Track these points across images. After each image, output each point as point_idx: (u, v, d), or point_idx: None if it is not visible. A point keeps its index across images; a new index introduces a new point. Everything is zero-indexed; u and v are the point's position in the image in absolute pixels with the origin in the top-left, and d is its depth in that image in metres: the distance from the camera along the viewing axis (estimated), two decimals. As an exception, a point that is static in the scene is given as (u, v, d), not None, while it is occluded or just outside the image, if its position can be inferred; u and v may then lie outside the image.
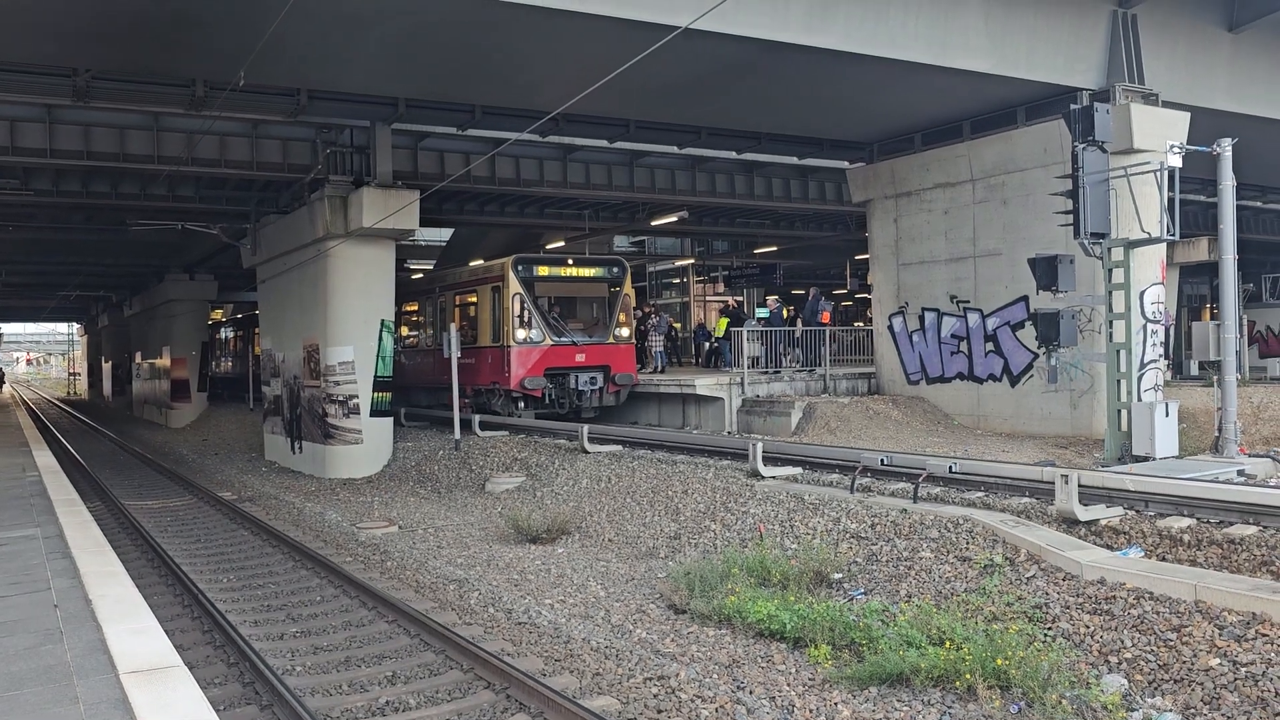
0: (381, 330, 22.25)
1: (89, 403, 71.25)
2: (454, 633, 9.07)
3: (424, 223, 24.91)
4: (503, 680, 7.89)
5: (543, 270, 22.74)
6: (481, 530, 15.04)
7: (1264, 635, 7.15)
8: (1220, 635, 7.30)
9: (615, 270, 23.59)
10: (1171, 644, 7.41)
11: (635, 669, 8.25)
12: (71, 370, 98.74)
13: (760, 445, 14.17)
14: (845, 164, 26.48)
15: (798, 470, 14.28)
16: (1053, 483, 10.55)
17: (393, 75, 18.76)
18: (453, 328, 22.83)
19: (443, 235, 37.73)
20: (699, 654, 8.66)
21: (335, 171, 21.74)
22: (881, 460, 13.04)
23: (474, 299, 23.77)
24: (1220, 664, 7.01)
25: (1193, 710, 6.74)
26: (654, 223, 31.01)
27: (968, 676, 7.31)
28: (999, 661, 7.27)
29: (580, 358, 22.49)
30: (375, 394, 22.23)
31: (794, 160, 27.36)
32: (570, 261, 23.45)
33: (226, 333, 46.82)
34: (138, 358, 50.53)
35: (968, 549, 9.83)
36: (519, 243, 32.04)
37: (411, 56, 17.39)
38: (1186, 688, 6.96)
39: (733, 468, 14.68)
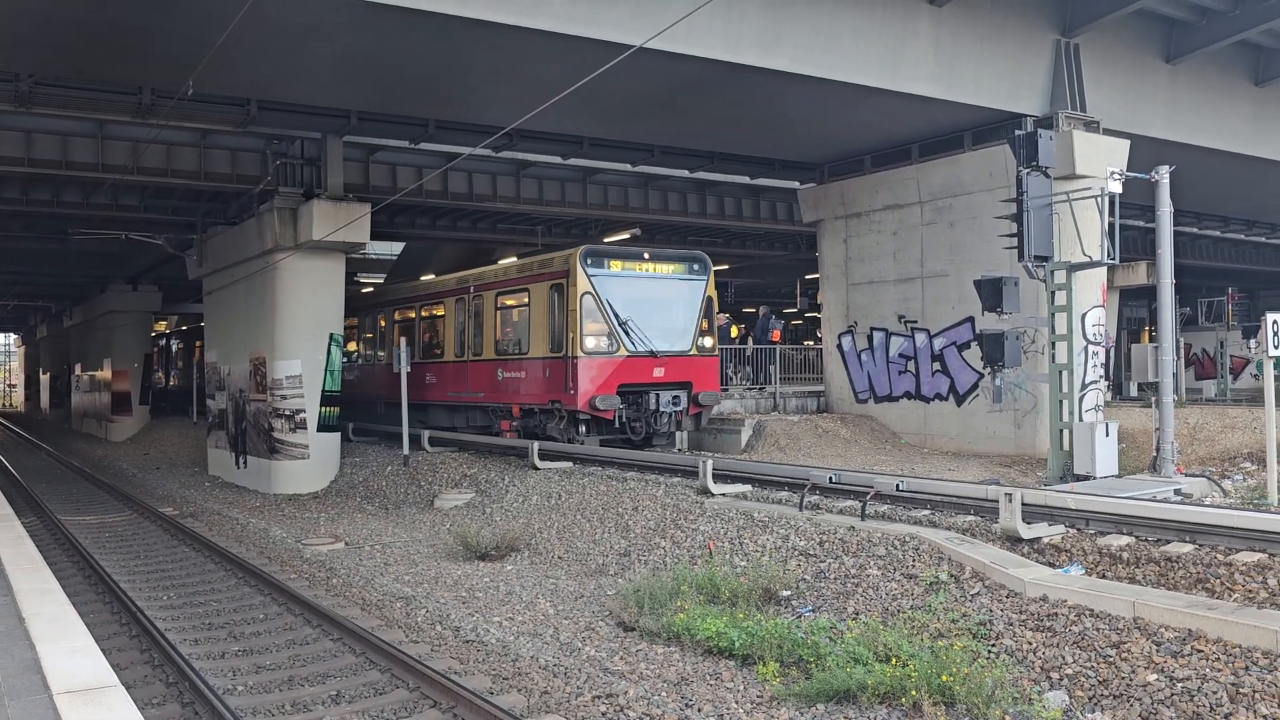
0: (330, 344, 22.01)
1: (25, 415, 69.50)
2: (400, 651, 8.97)
3: (375, 236, 24.77)
4: (449, 699, 7.82)
5: (616, 265, 18.95)
6: (430, 547, 14.90)
7: (1199, 651, 7.31)
8: (1158, 651, 7.45)
9: (697, 267, 20.09)
10: (1111, 660, 7.55)
11: (583, 687, 8.21)
12: (8, 382, 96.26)
13: (710, 463, 14.21)
14: (796, 184, 26.80)
15: (748, 488, 14.34)
16: (997, 501, 10.71)
17: (345, 87, 18.65)
18: (402, 342, 22.62)
19: (394, 249, 37.46)
20: (647, 671, 8.65)
21: (285, 183, 21.53)
22: (830, 478, 13.15)
23: (518, 300, 20.27)
24: (1158, 679, 7.15)
25: (1131, 725, 6.86)
26: (606, 240, 31.11)
27: (913, 693, 7.37)
28: (944, 678, 7.35)
29: (659, 372, 18.95)
30: (323, 408, 21.97)
31: (746, 180, 27.63)
32: (647, 255, 19.68)
33: (170, 345, 45.95)
34: (78, 369, 49.41)
35: (914, 566, 9.94)
36: (471, 257, 31.87)
37: (363, 69, 17.31)
38: (1125, 703, 7.08)
39: (683, 485, 14.70)
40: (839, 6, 16.88)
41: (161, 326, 51.31)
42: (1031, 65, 19.14)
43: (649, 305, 19.12)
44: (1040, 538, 10.32)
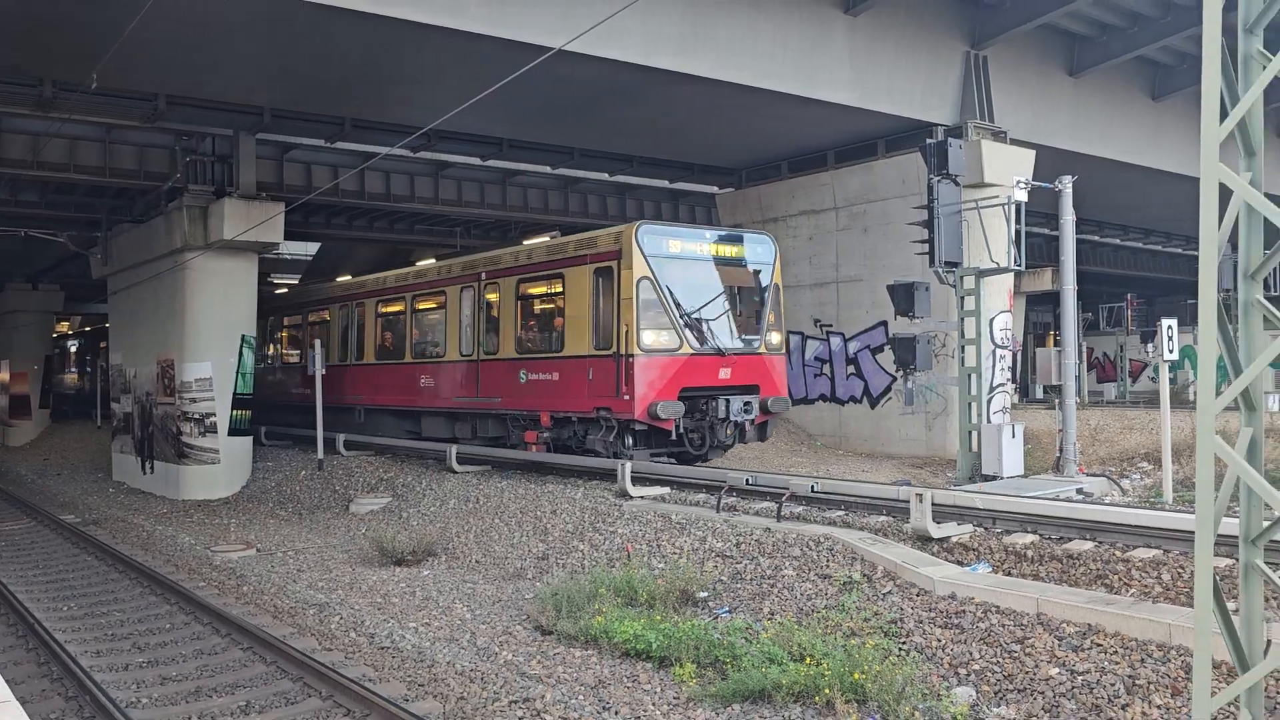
0: (242, 346, 21.51)
1: (-84, 419, 66.31)
2: (313, 659, 8.81)
3: (289, 236, 24.27)
4: (364, 707, 7.71)
5: (675, 245, 15.90)
6: (345, 553, 14.66)
7: (1099, 645, 7.59)
8: (1059, 646, 7.71)
9: (762, 249, 16.97)
10: (1016, 655, 7.79)
11: (500, 692, 8.18)
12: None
13: (629, 466, 14.26)
14: (715, 189, 27.05)
15: (665, 490, 14.42)
16: (908, 501, 10.96)
17: (258, 84, 18.27)
18: (317, 344, 22.07)
19: (309, 249, 36.76)
20: (565, 675, 8.65)
21: (195, 180, 20.97)
22: (747, 480, 13.31)
23: (548, 287, 17.42)
24: (1059, 673, 7.40)
25: (1034, 717, 7.08)
26: (526, 242, 30.91)
27: (827, 691, 7.51)
28: (856, 676, 7.50)
29: (725, 374, 16.03)
30: (234, 412, 21.44)
31: (666, 184, 27.80)
32: (708, 234, 16.60)
33: (73, 346, 44.35)
34: (-28, 371, 47.40)
35: (828, 566, 10.12)
36: (388, 258, 31.44)
37: (277, 66, 16.98)
38: (1029, 697, 7.31)
39: (602, 488, 14.72)
40: (757, 14, 17.11)
41: (64, 327, 49.51)
42: (942, 75, 19.64)
43: (713, 293, 16.20)
44: (949, 537, 10.60)
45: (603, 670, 8.74)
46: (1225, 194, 4.75)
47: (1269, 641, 4.94)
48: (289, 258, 37.54)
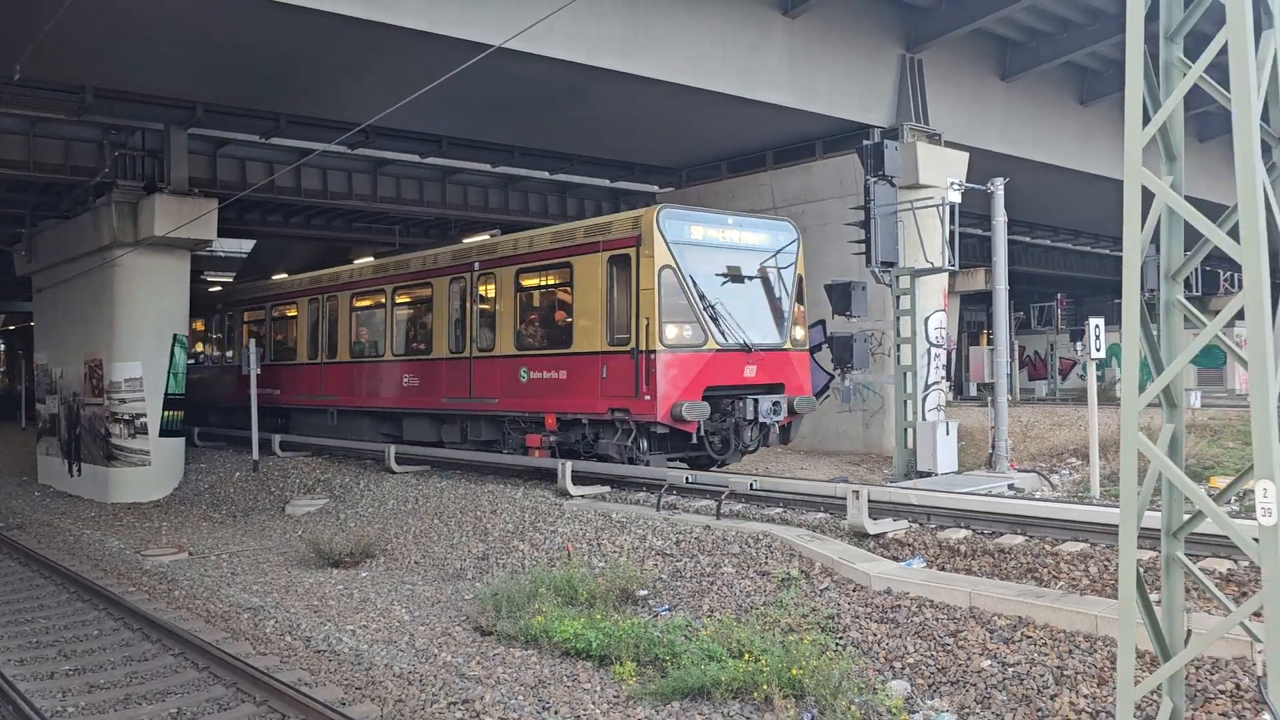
0: (174, 345, 21.04)
1: None
2: (247, 663, 8.67)
3: (223, 233, 23.84)
4: (300, 712, 7.60)
5: (698, 231, 14.67)
6: (280, 555, 14.44)
7: (1029, 637, 7.77)
8: (991, 638, 7.87)
9: (785, 236, 15.75)
10: (949, 648, 7.94)
11: (439, 694, 8.12)
12: None
13: (569, 465, 14.24)
14: (656, 188, 27.12)
15: (606, 489, 14.43)
16: (845, 498, 11.11)
17: (190, 78, 17.89)
18: (251, 344, 21.67)
19: (244, 246, 36.11)
20: (505, 675, 8.62)
21: (125, 176, 20.47)
22: (686, 479, 13.37)
23: (554, 277, 15.98)
24: (991, 665, 7.56)
25: (967, 710, 7.23)
26: (465, 240, 30.71)
27: (765, 687, 7.59)
28: (794, 671, 7.58)
29: (750, 371, 14.85)
30: (165, 413, 20.97)
31: (606, 183, 27.79)
32: (731, 220, 15.35)
33: (-5, 345, 43.05)
34: (-112, 372, 45.77)
35: (767, 563, 10.21)
36: (325, 256, 31.00)
37: (210, 60, 16.65)
38: (962, 689, 7.45)
39: (542, 487, 14.69)
40: (698, 16, 17.19)
41: (-15, 326, 48.05)
42: (879, 78, 19.92)
43: (737, 284, 15.03)
44: (885, 533, 10.75)
45: (543, 670, 8.72)
46: (1149, 197, 4.89)
47: (1189, 631, 5.10)
48: (223, 255, 36.86)
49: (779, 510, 12.25)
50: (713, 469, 15.26)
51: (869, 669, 7.94)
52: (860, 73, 19.64)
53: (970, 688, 7.39)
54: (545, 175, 26.63)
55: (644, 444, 14.49)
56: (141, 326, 20.73)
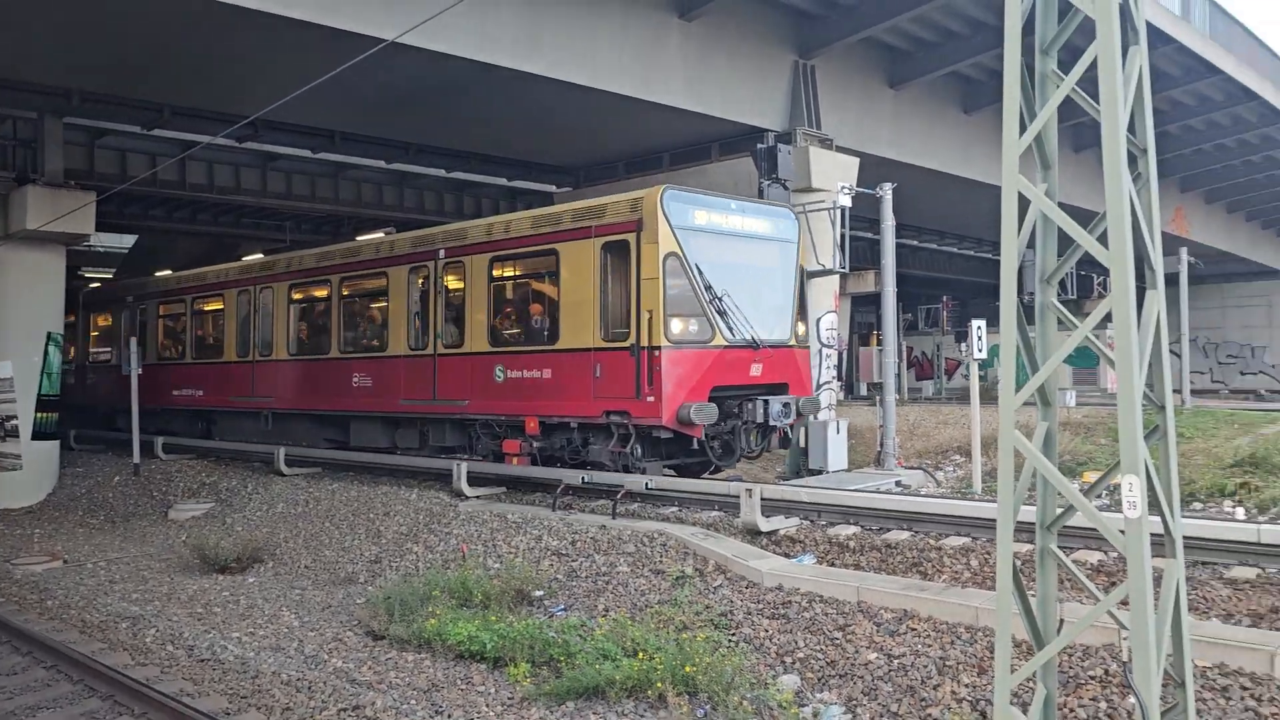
0: (48, 344, 20.09)
1: None
2: (125, 675, 8.34)
3: (102, 227, 22.83)
4: (181, 723, 7.35)
5: (701, 215, 13.63)
6: (162, 561, 13.93)
7: (913, 630, 8.00)
8: (878, 631, 8.09)
9: (786, 225, 14.90)
10: (838, 642, 8.12)
11: (329, 700, 7.95)
12: None
13: (465, 466, 14.11)
14: (554, 188, 27.02)
15: (502, 490, 14.35)
16: (738, 496, 11.26)
17: (65, 65, 17.10)
18: (133, 342, 20.79)
19: (125, 241, 34.69)
20: (397, 680, 8.48)
21: (-6, 166, 19.48)
22: (583, 479, 13.36)
23: (538, 265, 14.67)
24: (877, 658, 7.76)
25: (854, 701, 7.40)
26: (359, 238, 30.13)
27: (659, 685, 7.64)
28: (688, 669, 7.65)
29: (756, 370, 13.87)
30: (39, 415, 20.01)
31: (504, 181, 27.58)
32: (734, 206, 14.29)
33: None
34: None
35: (662, 562, 10.28)
36: (212, 252, 29.99)
37: (86, 47, 15.95)
38: (850, 681, 7.63)
39: (438, 489, 14.52)
40: (596, 16, 17.19)
41: None
42: (773, 83, 20.22)
43: (743, 275, 13.95)
44: (777, 530, 10.95)
45: (436, 673, 8.62)
46: (1025, 203, 5.08)
47: (1062, 621, 5.31)
48: (101, 250, 35.33)
49: (674, 509, 12.36)
50: (704, 475, 14.36)
51: (760, 664, 8.07)
52: (754, 77, 19.91)
53: (858, 680, 7.57)
54: (441, 173, 26.27)
55: (638, 449, 13.44)
56: (12, 325, 19.72)
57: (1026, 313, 5.28)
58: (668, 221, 13.04)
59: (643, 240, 13.11)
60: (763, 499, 11.13)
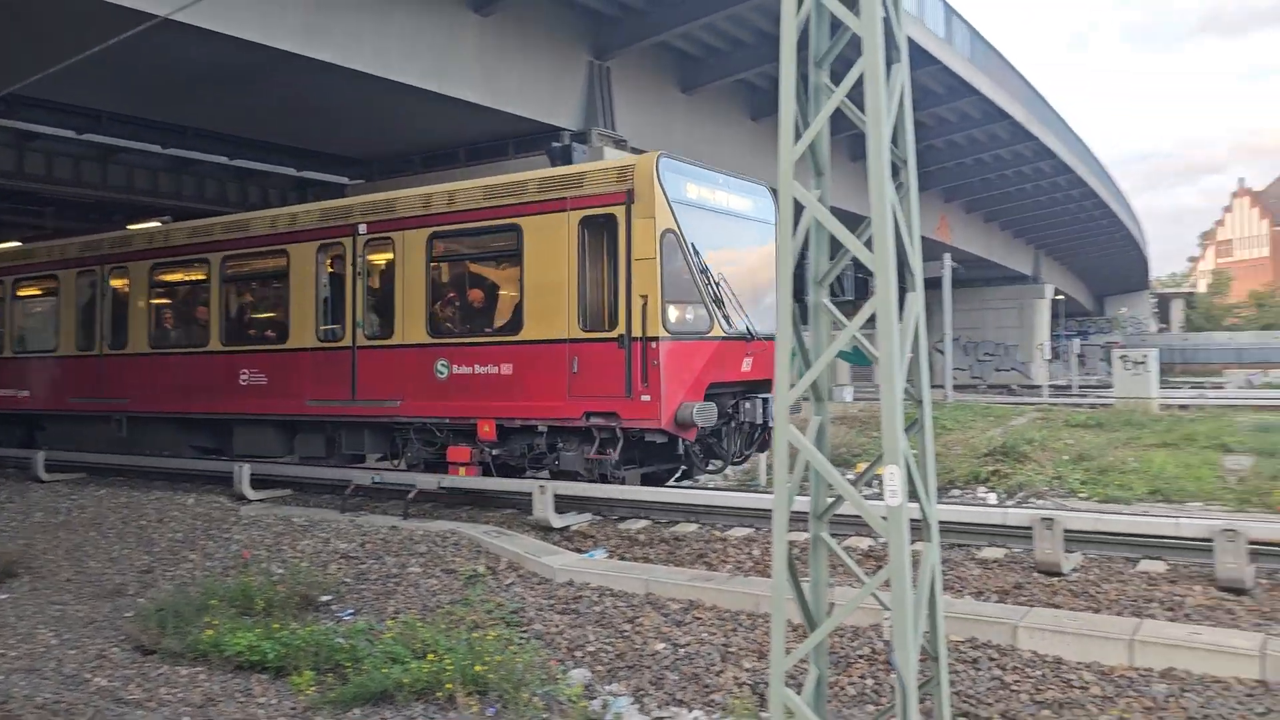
0: None
1: None
2: None
3: None
4: (-86, 756, 6.67)
5: (693, 190, 12.30)
6: (-106, 580, 12.57)
7: (699, 619, 8.25)
8: (665, 622, 8.29)
9: (764, 206, 13.71)
10: (627, 635, 8.27)
11: (90, 722, 7.42)
12: None
13: (247, 468, 13.48)
14: (345, 180, 26.18)
15: (288, 492, 13.80)
16: (531, 494, 11.28)
17: None
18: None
19: None
20: (169, 696, 8.01)
21: None
22: (373, 479, 13.04)
23: (493, 244, 13.09)
24: (665, 648, 7.96)
25: (642, 691, 7.56)
26: (131, 227, 28.15)
27: (449, 686, 7.55)
28: (478, 668, 7.60)
29: (747, 365, 12.58)
30: None
31: (293, 171, 26.47)
32: (720, 181, 13.09)
33: None
34: None
35: (453, 561, 10.17)
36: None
37: None
38: (638, 672, 7.78)
39: (217, 492, 13.80)
40: (388, 5, 16.79)
41: None
42: (569, 83, 20.37)
43: (734, 257, 12.74)
44: (570, 526, 11.04)
45: (213, 686, 8.19)
46: (801, 209, 5.33)
47: (832, 604, 5.62)
48: None
49: (467, 509, 12.26)
50: (677, 482, 13.20)
51: (551, 660, 8.11)
52: (551, 76, 19.99)
53: (645, 670, 7.73)
54: (224, 160, 24.94)
55: (613, 458, 11.86)
56: None
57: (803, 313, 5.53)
58: (664, 193, 11.61)
59: (634, 214, 11.55)
60: (556, 496, 11.19)
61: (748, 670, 7.43)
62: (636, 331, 11.41)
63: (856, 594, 5.29)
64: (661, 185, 11.63)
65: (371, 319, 13.96)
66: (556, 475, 12.16)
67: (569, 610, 8.77)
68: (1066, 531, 8.58)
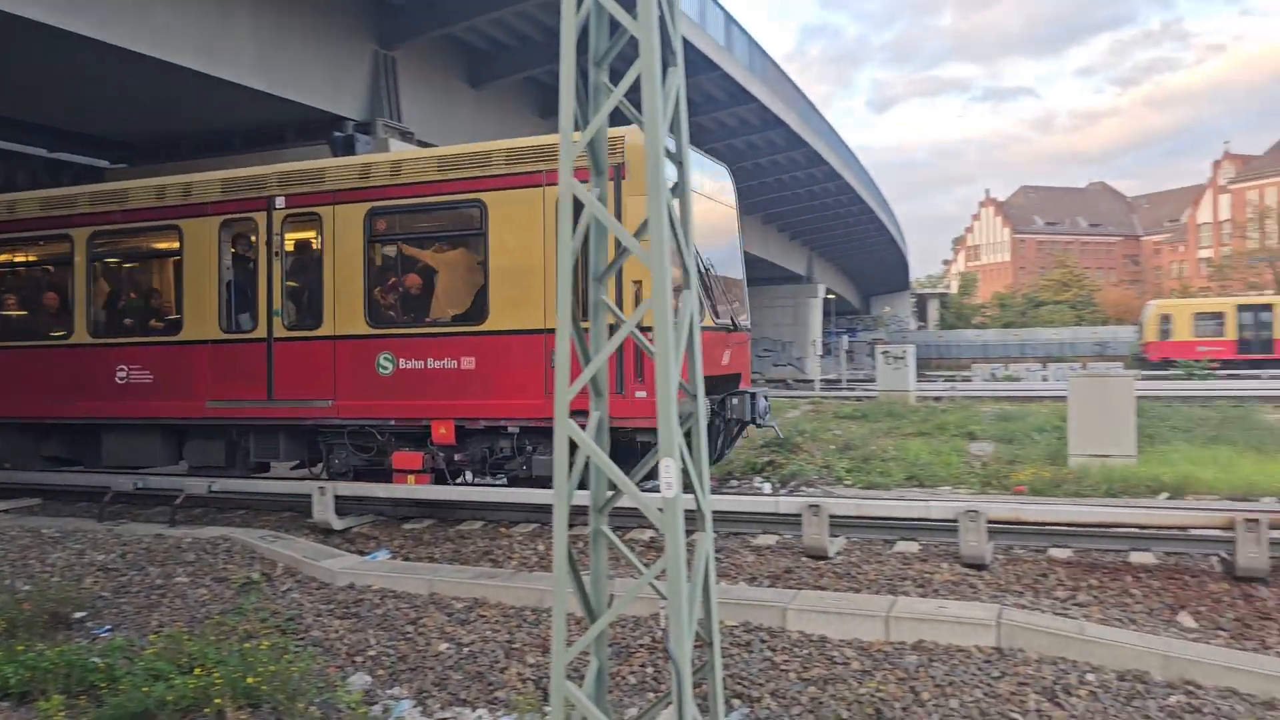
0: None
1: None
2: None
3: None
4: None
5: (670, 167, 8.93)
6: None
7: (483, 617, 8.21)
8: (449, 622, 8.20)
9: (728, 186, 12.89)
10: (410, 636, 8.12)
11: None
12: None
13: (-14, 475, 12.33)
14: (105, 163, 24.33)
15: (36, 501, 12.71)
16: (311, 495, 10.88)
17: None
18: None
19: None
20: (-111, 731, 7.23)
21: None
22: (135, 484, 12.24)
23: (445, 223, 11.83)
24: (449, 648, 7.87)
25: (425, 693, 7.45)
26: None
27: (218, 701, 7.17)
28: (250, 680, 7.26)
29: (727, 358, 11.90)
30: None
31: (44, 152, 24.31)
32: (693, 157, 10.39)
33: None
34: None
35: (225, 569, 9.68)
36: None
37: None
38: (421, 674, 7.67)
39: (-51, 503, 12.55)
40: (151, -23, 15.74)
41: None
42: (353, 71, 19.74)
43: (721, 242, 12.00)
44: (351, 528, 10.73)
45: (-58, 718, 7.45)
46: (581, 206, 5.40)
47: (612, 596, 5.72)
48: None
49: (243, 513, 11.72)
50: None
51: (330, 667, 7.86)
52: (332, 63, 19.30)
53: (429, 671, 7.63)
54: (-43, 138, 22.63)
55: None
56: None
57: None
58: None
59: (625, 191, 10.43)
60: (336, 497, 10.85)
61: (532, 665, 7.46)
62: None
63: (634, 585, 5.42)
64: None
65: (293, 307, 12.45)
66: (521, 481, 11.29)
67: (349, 614, 8.53)
68: (832, 517, 9.09)
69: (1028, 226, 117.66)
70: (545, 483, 10.63)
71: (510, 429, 11.10)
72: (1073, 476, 13.43)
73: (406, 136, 20.50)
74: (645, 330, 9.45)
